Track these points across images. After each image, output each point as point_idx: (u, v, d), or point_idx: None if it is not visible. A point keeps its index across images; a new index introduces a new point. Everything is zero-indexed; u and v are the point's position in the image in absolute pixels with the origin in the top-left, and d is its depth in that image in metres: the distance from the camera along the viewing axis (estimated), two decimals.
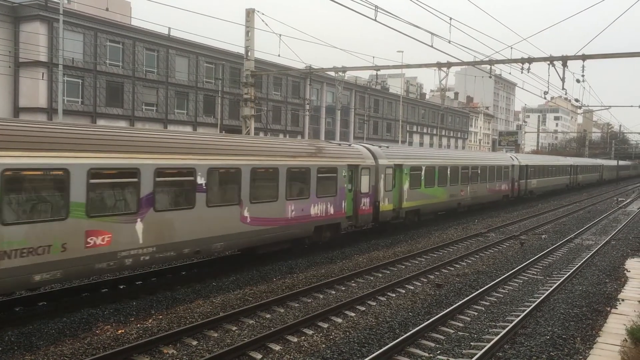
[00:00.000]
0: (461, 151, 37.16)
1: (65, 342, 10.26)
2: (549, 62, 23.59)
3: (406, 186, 23.73)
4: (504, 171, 36.84)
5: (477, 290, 14.76)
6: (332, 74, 29.40)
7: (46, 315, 11.58)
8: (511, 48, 24.68)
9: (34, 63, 39.89)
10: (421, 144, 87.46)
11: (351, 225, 20.71)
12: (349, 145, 22.15)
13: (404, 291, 14.76)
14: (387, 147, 24.15)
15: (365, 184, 20.74)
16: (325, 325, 11.67)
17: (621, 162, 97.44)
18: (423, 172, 25.17)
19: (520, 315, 12.37)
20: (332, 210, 18.89)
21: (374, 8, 20.31)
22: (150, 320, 11.62)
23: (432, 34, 22.81)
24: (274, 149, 16.85)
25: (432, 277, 16.57)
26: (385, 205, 22.17)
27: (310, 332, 11.25)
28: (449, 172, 28.06)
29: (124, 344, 10.09)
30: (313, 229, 18.23)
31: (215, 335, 10.94)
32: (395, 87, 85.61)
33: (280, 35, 26.20)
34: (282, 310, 12.66)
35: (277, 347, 10.35)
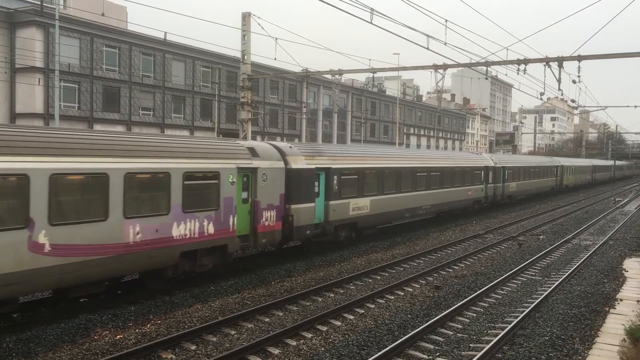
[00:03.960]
0: None
1: (63, 348, 10.23)
2: (545, 63, 23.66)
3: None
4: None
5: (476, 291, 14.76)
6: (329, 76, 29.36)
7: (44, 321, 11.54)
8: (507, 49, 24.75)
9: (30, 69, 39.79)
10: (418, 146, 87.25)
11: None
12: None
13: (402, 293, 14.76)
14: None
15: None
16: (324, 329, 11.66)
17: (609, 162, 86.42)
18: None
19: (519, 316, 12.37)
20: None
21: (370, 11, 20.36)
22: (148, 325, 11.60)
23: (427, 36, 22.88)
24: None
25: (430, 279, 16.57)
26: None
27: (309, 336, 11.23)
28: None
29: (122, 350, 10.07)
30: None
31: (214, 339, 10.92)
32: (392, 89, 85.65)
33: (276, 38, 26.29)
34: (280, 314, 12.65)
35: (276, 351, 10.33)
